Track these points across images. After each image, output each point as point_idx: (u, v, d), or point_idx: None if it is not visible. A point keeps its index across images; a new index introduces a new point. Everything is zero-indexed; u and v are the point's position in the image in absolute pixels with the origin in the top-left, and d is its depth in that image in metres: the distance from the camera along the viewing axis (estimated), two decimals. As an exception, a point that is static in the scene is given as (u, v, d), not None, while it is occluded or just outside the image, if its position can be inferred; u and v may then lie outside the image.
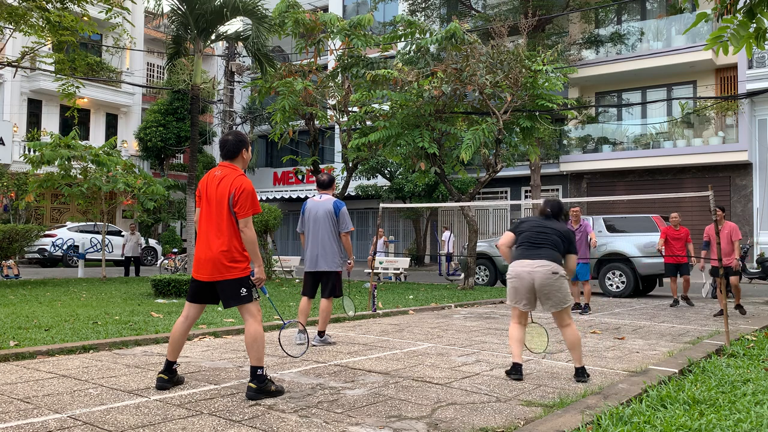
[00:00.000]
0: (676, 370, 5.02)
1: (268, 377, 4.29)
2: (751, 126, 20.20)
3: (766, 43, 4.48)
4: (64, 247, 22.30)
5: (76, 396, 4.16)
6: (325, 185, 6.61)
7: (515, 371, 4.83)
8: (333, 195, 6.63)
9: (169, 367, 4.44)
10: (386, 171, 25.26)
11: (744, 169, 20.53)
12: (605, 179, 22.73)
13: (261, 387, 4.19)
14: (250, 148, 4.55)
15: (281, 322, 5.17)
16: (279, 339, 5.91)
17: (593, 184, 23.10)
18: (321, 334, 6.43)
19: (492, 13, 22.00)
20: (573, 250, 5.02)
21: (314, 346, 6.32)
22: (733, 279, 9.76)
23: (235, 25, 30.42)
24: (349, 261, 6.58)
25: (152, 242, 25.49)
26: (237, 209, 4.30)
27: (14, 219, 24.12)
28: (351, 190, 25.81)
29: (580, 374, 4.84)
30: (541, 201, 10.25)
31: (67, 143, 15.15)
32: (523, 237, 5.07)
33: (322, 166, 19.52)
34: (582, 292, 10.20)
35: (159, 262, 21.47)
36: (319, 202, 6.47)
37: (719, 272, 7.36)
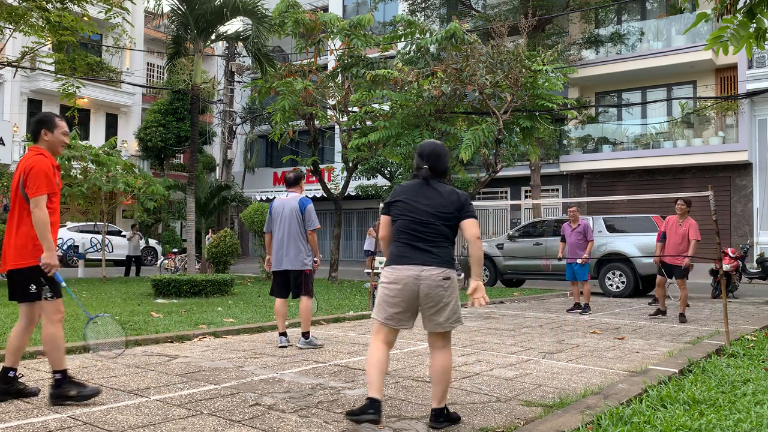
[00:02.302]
0: (676, 370, 5.02)
1: (70, 380, 3.96)
2: (751, 126, 20.20)
3: (766, 43, 4.48)
4: (64, 247, 22.30)
5: (76, 396, 4.15)
6: (291, 183, 6.47)
7: (374, 410, 3.43)
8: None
9: (5, 376, 3.98)
10: (386, 171, 25.25)
11: (744, 169, 20.53)
12: (605, 179, 22.73)
13: (59, 392, 3.89)
14: (55, 127, 4.11)
15: (87, 315, 4.75)
16: (84, 334, 5.54)
17: (593, 184, 23.09)
18: (305, 335, 6.28)
19: (492, 13, 21.99)
20: (469, 214, 3.67)
21: (300, 349, 6.21)
22: (679, 281, 9.11)
23: (235, 25, 30.41)
24: (315, 259, 6.45)
25: (152, 242, 25.51)
26: (27, 190, 3.90)
27: (14, 219, 24.07)
28: (351, 190, 25.80)
29: (437, 417, 3.58)
30: (541, 201, 10.27)
31: (67, 143, 15.14)
32: (401, 226, 3.71)
33: (322, 166, 19.52)
34: (582, 292, 10.21)
35: (159, 262, 21.47)
36: (286, 200, 6.37)
37: (718, 272, 7.30)
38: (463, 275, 14.64)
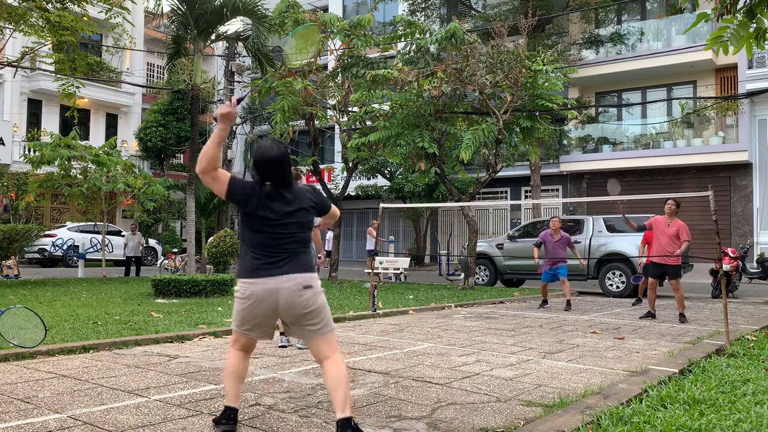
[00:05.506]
0: (676, 370, 5.01)
1: None
2: (751, 126, 20.19)
3: (766, 43, 4.48)
4: (64, 247, 22.30)
5: (76, 396, 4.16)
6: None
7: (226, 419, 3.37)
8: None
9: None
10: (386, 171, 25.25)
11: (744, 169, 20.53)
12: (605, 179, 22.73)
13: None
14: None
15: None
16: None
17: (593, 184, 23.09)
18: None
19: (492, 13, 21.99)
20: (329, 205, 3.66)
21: (300, 349, 6.21)
22: (673, 282, 8.91)
23: (235, 25, 30.39)
24: (319, 255, 6.47)
25: (152, 242, 25.51)
26: None
27: (14, 219, 24.12)
28: (351, 190, 25.81)
29: (344, 428, 3.23)
30: (541, 201, 10.29)
31: (67, 143, 15.15)
32: (254, 233, 3.40)
33: (322, 167, 19.52)
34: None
35: (159, 262, 21.47)
36: None
37: (718, 272, 7.27)
38: (463, 275, 14.63)
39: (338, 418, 3.25)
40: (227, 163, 29.77)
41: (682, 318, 8.87)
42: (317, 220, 6.28)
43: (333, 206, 3.77)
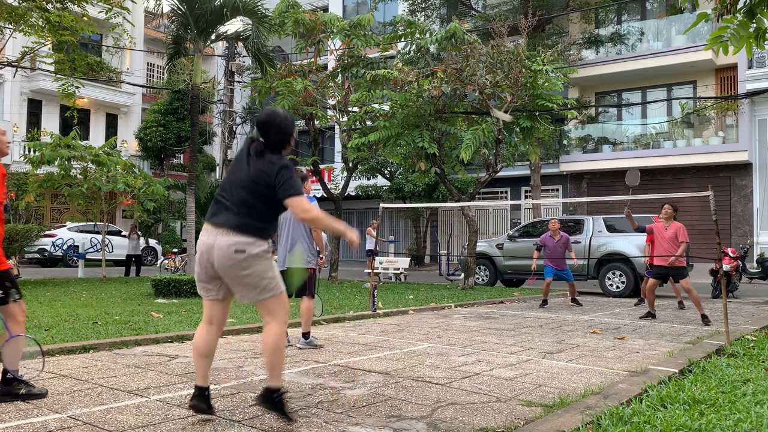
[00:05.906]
0: (676, 370, 5.01)
1: (22, 381, 4.02)
2: (751, 126, 20.20)
3: (766, 43, 4.48)
4: (64, 247, 22.30)
5: (76, 396, 4.16)
6: None
7: (199, 398, 3.52)
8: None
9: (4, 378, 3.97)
10: (386, 171, 25.26)
11: (744, 169, 20.53)
12: (605, 179, 22.74)
13: (8, 390, 3.96)
14: None
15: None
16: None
17: (593, 184, 23.09)
18: (305, 335, 6.24)
19: (492, 13, 22.00)
20: (290, 191, 3.36)
21: (300, 349, 6.20)
22: (683, 282, 8.79)
23: (235, 25, 30.41)
24: (321, 256, 6.43)
25: (152, 242, 25.52)
26: None
27: (14, 219, 24.13)
28: (351, 190, 25.81)
29: (267, 397, 3.44)
30: (541, 201, 10.35)
31: (67, 143, 15.15)
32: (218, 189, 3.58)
33: (322, 167, 19.52)
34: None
35: (159, 262, 21.47)
36: None
37: (718, 272, 7.27)
38: (463, 275, 14.64)
39: (266, 387, 3.46)
40: (227, 163, 29.80)
41: (705, 319, 8.45)
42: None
43: (295, 198, 3.37)
